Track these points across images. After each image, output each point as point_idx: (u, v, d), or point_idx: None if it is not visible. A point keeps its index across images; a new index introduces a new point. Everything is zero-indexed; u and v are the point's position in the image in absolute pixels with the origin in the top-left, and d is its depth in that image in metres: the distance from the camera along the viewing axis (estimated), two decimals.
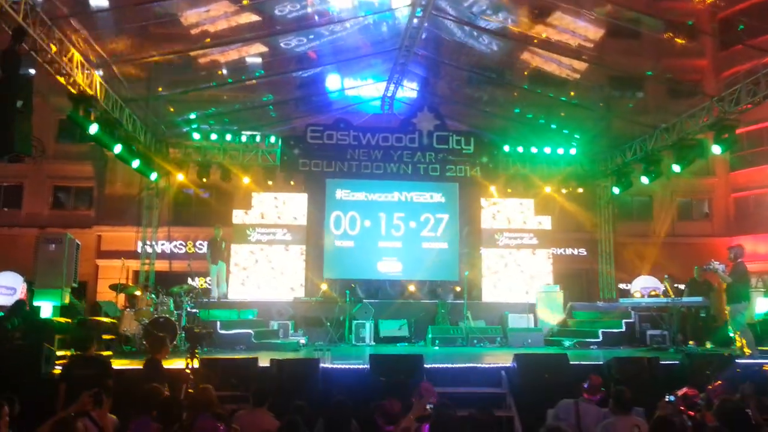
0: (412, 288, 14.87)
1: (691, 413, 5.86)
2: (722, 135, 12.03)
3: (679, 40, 14.06)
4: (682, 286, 12.85)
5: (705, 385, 6.79)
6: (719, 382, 6.55)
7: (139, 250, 16.84)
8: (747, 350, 9.47)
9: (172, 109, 15.36)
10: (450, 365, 8.39)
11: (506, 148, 16.51)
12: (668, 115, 14.37)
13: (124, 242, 18.65)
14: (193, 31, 15.60)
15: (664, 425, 4.49)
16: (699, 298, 11.88)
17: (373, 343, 12.30)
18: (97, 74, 11.56)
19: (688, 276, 13.08)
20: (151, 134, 14.69)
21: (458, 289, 14.67)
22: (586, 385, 6.27)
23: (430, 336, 12.43)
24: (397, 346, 12.21)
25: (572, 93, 16.44)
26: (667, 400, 6.42)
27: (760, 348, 9.89)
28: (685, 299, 11.96)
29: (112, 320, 11.33)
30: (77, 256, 11.42)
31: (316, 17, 13.63)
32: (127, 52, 12.83)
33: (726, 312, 9.96)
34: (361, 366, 8.03)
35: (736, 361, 8.44)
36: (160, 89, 14.77)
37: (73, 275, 11.15)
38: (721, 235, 21.93)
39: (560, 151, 16.53)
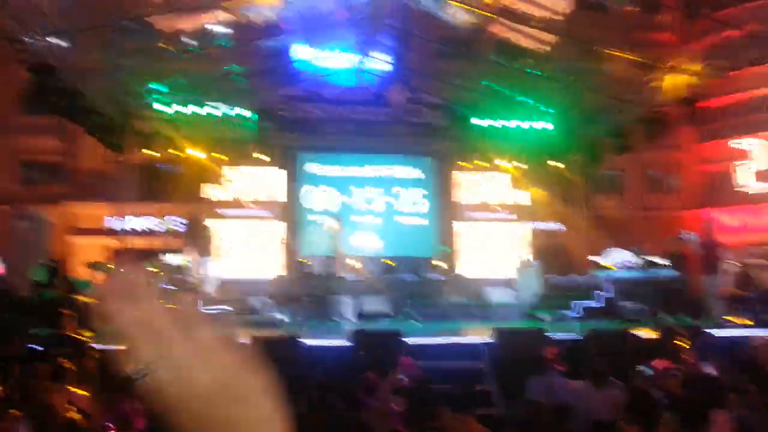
0: (391, 264, 14.88)
1: (664, 384, 6.01)
2: (687, 108, 12.19)
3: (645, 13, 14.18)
4: (655, 259, 13.09)
5: (678, 356, 6.98)
6: (691, 353, 6.74)
7: (115, 227, 16.54)
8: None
9: (134, 81, 14.88)
10: (430, 340, 8.49)
11: (481, 122, 16.44)
12: (637, 88, 14.45)
13: (99, 219, 18.30)
14: None
15: (639, 396, 4.61)
16: (673, 271, 12.14)
17: (354, 320, 12.33)
18: (58, 44, 11.11)
19: (659, 249, 13.32)
20: (117, 107, 14.26)
21: (439, 264, 14.71)
22: (547, 356, 6.44)
23: (410, 311, 12.51)
24: (378, 322, 12.25)
25: (543, 66, 16.40)
26: (642, 371, 6.59)
27: (729, 319, 10.16)
28: (659, 271, 12.21)
29: (89, 299, 11.14)
30: (50, 233, 11.19)
31: None
32: (87, 20, 12.36)
33: (700, 284, 10.19)
34: (342, 343, 8.06)
35: (709, 332, 8.67)
36: (124, 60, 14.31)
37: (47, 252, 10.93)
38: (691, 208, 22.35)
39: (535, 125, 16.51)
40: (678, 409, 4.52)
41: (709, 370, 6.25)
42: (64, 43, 11.48)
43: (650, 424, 4.48)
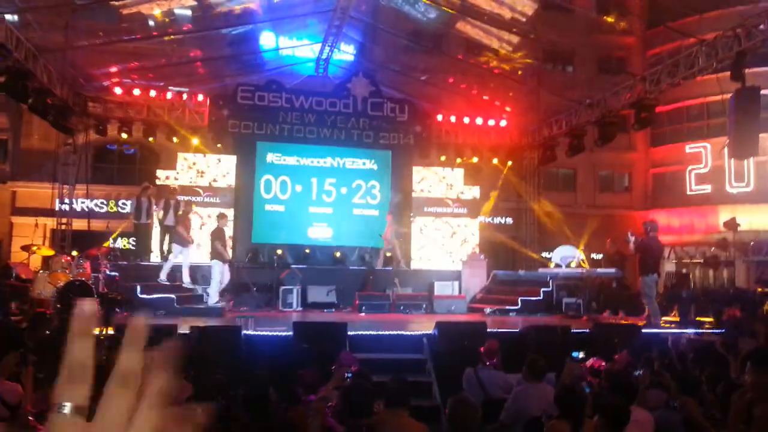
0: (340, 254, 14.87)
1: (594, 380, 6.20)
2: (642, 113, 12.51)
3: (608, 19, 14.51)
4: (598, 256, 13.47)
5: (612, 353, 7.20)
6: (623, 352, 6.95)
7: (57, 208, 16.01)
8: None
9: (91, 63, 14.46)
10: (373, 332, 8.52)
11: (439, 117, 16.58)
12: (594, 91, 14.80)
13: (41, 199, 17.69)
14: None
15: (567, 393, 4.71)
16: (612, 270, 12.51)
17: (300, 309, 12.30)
18: (8, 20, 10.73)
19: (604, 247, 13.71)
20: (69, 87, 13.85)
21: (389, 254, 14.77)
22: (483, 350, 6.54)
23: (357, 302, 12.56)
24: (324, 312, 12.25)
25: (505, 66, 16.69)
26: (572, 361, 6.76)
27: (664, 318, 10.54)
28: (598, 270, 12.57)
29: (23, 283, 10.80)
30: None
31: None
32: None
33: (640, 282, 10.51)
34: (284, 333, 8.02)
35: (642, 330, 8.97)
36: (82, 41, 13.88)
37: None
38: (639, 209, 23.07)
39: (491, 122, 16.77)
40: (603, 407, 4.64)
41: (639, 368, 6.45)
42: (17, 20, 11.08)
43: (576, 420, 4.61)
